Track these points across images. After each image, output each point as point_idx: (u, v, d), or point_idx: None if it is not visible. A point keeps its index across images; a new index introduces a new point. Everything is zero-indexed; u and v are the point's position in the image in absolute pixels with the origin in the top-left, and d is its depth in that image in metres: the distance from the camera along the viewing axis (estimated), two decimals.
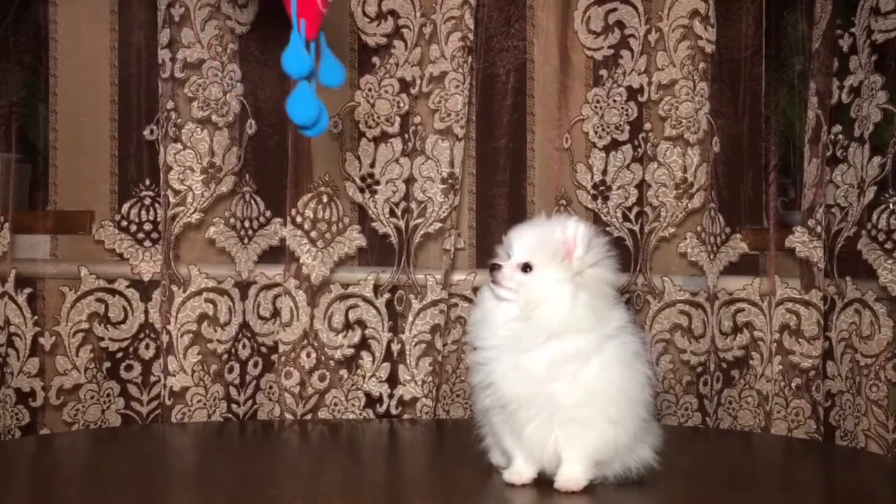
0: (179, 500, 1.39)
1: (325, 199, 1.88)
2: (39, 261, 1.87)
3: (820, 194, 1.84)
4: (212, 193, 1.84)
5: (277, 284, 1.89)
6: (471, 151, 1.95)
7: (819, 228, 1.84)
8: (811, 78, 1.85)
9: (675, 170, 1.90)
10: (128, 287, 1.87)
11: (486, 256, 1.60)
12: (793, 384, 1.86)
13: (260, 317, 1.91)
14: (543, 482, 1.37)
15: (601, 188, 1.93)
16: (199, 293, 1.84)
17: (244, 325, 1.89)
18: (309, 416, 1.87)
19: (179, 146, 1.82)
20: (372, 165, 1.90)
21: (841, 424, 1.82)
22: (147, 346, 1.88)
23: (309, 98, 1.23)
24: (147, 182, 1.89)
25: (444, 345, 1.91)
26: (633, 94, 1.91)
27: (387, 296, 1.91)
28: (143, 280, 1.87)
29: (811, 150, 1.86)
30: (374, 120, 1.90)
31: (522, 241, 1.37)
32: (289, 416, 1.86)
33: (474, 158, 1.96)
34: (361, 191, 1.91)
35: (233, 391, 1.87)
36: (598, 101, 1.93)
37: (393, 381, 1.90)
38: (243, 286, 1.88)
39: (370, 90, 1.89)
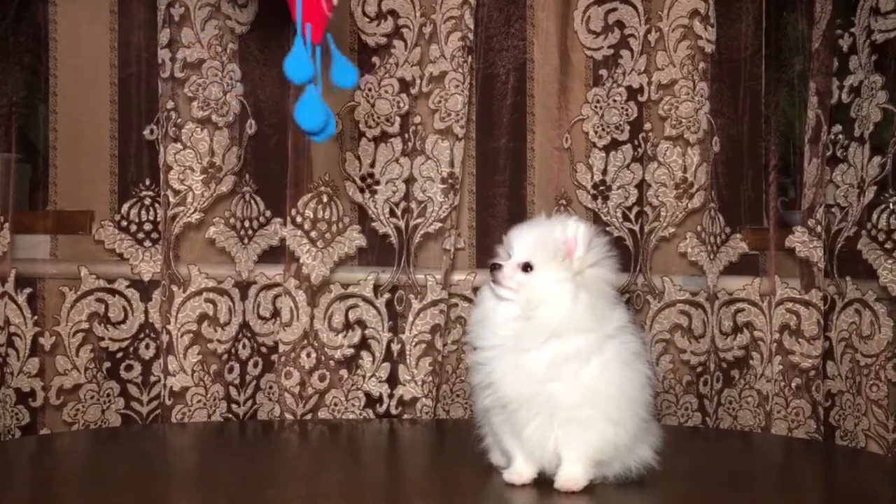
0: (179, 500, 1.39)
1: (325, 199, 1.88)
2: (39, 261, 1.87)
3: (820, 194, 1.84)
4: (212, 193, 1.84)
5: (277, 284, 1.89)
6: (471, 151, 1.95)
7: (819, 228, 1.84)
8: (811, 78, 1.85)
9: (675, 170, 1.90)
10: (128, 287, 1.87)
11: (486, 256, 1.60)
12: (793, 384, 1.86)
13: (260, 317, 1.91)
14: (543, 482, 1.36)
15: (601, 188, 1.93)
16: (199, 293, 1.84)
17: (244, 325, 1.89)
18: (309, 416, 1.87)
19: (179, 146, 1.82)
20: (372, 165, 1.90)
21: (841, 424, 1.82)
22: (147, 346, 1.88)
23: (316, 104, 1.23)
24: (147, 182, 1.89)
25: (444, 345, 1.91)
26: (633, 93, 1.91)
27: (387, 296, 1.91)
28: (143, 280, 1.87)
29: (811, 150, 1.86)
30: (374, 120, 1.90)
31: (523, 241, 1.37)
32: (289, 416, 1.86)
33: (474, 158, 1.96)
34: (361, 191, 1.91)
35: (233, 391, 1.87)
36: (598, 101, 1.93)
37: (393, 381, 1.90)
38: (243, 286, 1.88)
39: (370, 90, 1.89)
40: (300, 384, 1.86)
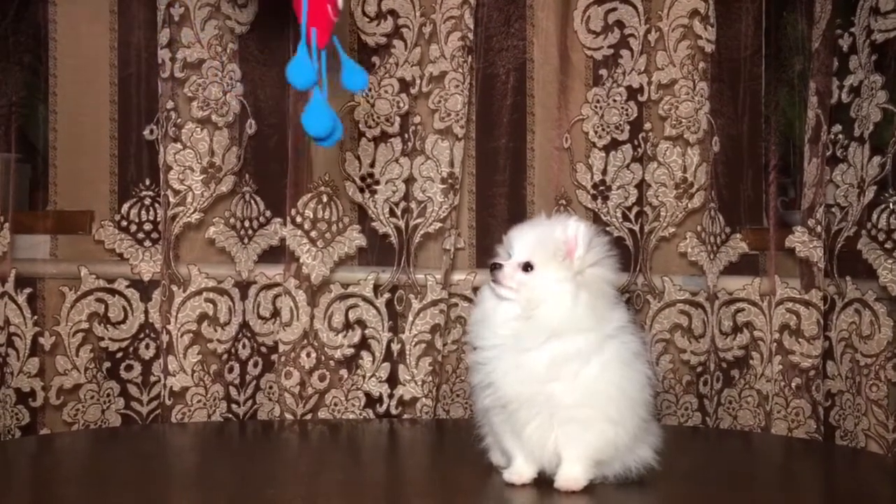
0: (179, 500, 1.39)
1: (325, 198, 1.88)
2: (39, 261, 1.87)
3: (820, 194, 1.84)
4: (212, 193, 1.84)
5: (277, 284, 1.89)
6: (471, 151, 1.95)
7: (819, 228, 1.84)
8: (811, 77, 1.85)
9: (675, 169, 1.90)
10: (128, 287, 1.87)
11: (486, 256, 1.60)
12: (793, 384, 1.86)
13: (260, 317, 1.91)
14: (543, 482, 1.36)
15: (601, 188, 1.93)
16: (199, 293, 1.84)
17: (244, 325, 1.89)
18: (309, 416, 1.87)
19: (179, 146, 1.82)
20: (372, 165, 1.91)
21: (841, 424, 1.82)
22: (147, 346, 1.88)
23: (323, 110, 1.23)
24: (147, 182, 1.89)
25: (444, 345, 1.91)
26: (632, 93, 1.91)
27: (387, 296, 1.91)
28: (143, 280, 1.87)
29: (811, 150, 1.86)
30: (373, 120, 1.90)
31: (523, 241, 1.37)
32: (289, 416, 1.86)
33: (474, 158, 1.96)
34: (361, 191, 1.91)
35: (233, 391, 1.87)
36: (597, 101, 1.93)
37: (393, 381, 1.90)
38: (243, 286, 1.88)
39: (370, 90, 1.89)
40: (300, 384, 1.86)
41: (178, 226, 1.83)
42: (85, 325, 1.85)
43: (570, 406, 1.32)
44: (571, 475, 1.34)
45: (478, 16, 1.91)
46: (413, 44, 1.88)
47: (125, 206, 1.89)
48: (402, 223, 1.90)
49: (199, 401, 1.83)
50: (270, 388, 1.90)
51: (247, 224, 1.89)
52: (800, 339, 1.86)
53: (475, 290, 1.85)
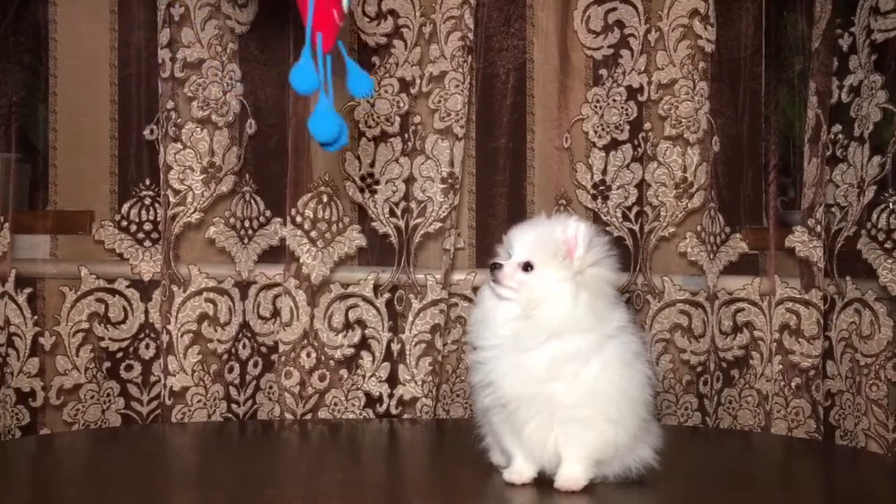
0: (179, 500, 1.39)
1: (325, 198, 1.88)
2: (39, 261, 1.87)
3: (820, 194, 1.84)
4: (212, 193, 1.84)
5: (277, 284, 1.89)
6: (471, 151, 1.95)
7: (819, 228, 1.84)
8: (811, 77, 1.85)
9: (675, 169, 1.90)
10: (128, 287, 1.87)
11: (486, 256, 1.60)
12: (793, 384, 1.86)
13: (260, 317, 1.91)
14: (543, 482, 1.37)
15: (601, 188, 1.93)
16: (199, 293, 1.84)
17: (244, 325, 1.89)
18: (309, 416, 1.87)
19: (179, 146, 1.82)
20: (372, 165, 1.91)
21: (841, 424, 1.82)
22: (147, 346, 1.88)
23: (329, 115, 1.23)
24: (147, 182, 1.89)
25: (444, 345, 1.91)
26: (632, 93, 1.91)
27: (387, 295, 1.91)
28: (143, 280, 1.87)
29: (811, 150, 1.86)
30: (373, 119, 1.90)
31: (523, 241, 1.37)
32: (289, 416, 1.86)
33: (474, 158, 1.96)
34: (361, 190, 1.91)
35: (233, 391, 1.87)
36: (597, 101, 1.93)
37: (393, 380, 1.90)
38: (243, 286, 1.88)
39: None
40: (300, 384, 1.86)
41: (179, 226, 1.83)
42: (85, 325, 1.85)
43: (570, 406, 1.32)
44: (571, 475, 1.34)
45: (478, 16, 1.91)
46: (413, 44, 1.88)
47: (125, 206, 1.89)
48: (402, 223, 1.90)
49: (199, 401, 1.83)
50: (270, 388, 1.90)
51: (247, 224, 1.89)
52: (800, 339, 1.86)
53: (475, 289, 1.85)
